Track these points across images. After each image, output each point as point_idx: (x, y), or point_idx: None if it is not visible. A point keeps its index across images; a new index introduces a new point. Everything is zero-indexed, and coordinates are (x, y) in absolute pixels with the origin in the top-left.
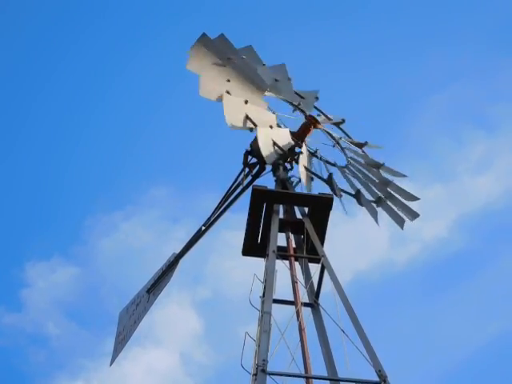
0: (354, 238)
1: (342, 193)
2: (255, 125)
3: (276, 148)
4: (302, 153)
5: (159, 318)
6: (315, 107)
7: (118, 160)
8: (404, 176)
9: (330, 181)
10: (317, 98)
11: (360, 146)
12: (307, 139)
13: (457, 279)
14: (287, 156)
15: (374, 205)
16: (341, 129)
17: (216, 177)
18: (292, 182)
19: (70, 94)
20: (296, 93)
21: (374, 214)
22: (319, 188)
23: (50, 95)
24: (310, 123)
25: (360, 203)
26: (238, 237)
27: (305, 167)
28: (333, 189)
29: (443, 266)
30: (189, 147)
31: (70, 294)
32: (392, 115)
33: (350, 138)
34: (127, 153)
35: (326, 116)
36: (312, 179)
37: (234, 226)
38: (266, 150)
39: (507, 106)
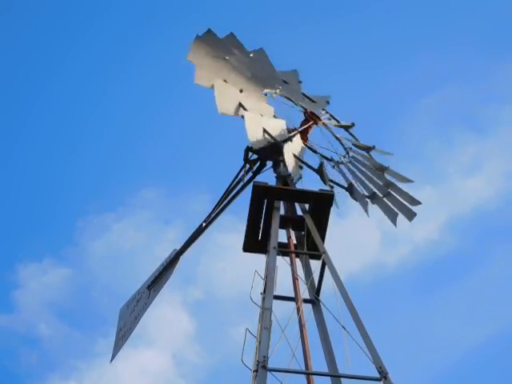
0: (345, 240)
1: (337, 186)
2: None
3: (266, 136)
4: (291, 141)
5: (151, 318)
6: (326, 111)
7: (110, 162)
8: (410, 181)
9: (320, 170)
10: (328, 103)
11: (367, 149)
12: (309, 136)
13: (448, 281)
14: (278, 146)
15: (368, 200)
16: (349, 132)
17: (207, 179)
18: (293, 179)
19: (63, 98)
20: (308, 97)
21: (365, 205)
22: (317, 185)
23: (43, 98)
24: (311, 119)
25: (353, 197)
26: (230, 238)
27: (294, 155)
28: (323, 178)
29: (434, 267)
30: (180, 150)
31: (61, 295)
32: (383, 118)
33: (358, 141)
34: (119, 155)
35: (336, 119)
36: (301, 168)
37: (225, 228)
38: (252, 135)
39: (498, 108)
